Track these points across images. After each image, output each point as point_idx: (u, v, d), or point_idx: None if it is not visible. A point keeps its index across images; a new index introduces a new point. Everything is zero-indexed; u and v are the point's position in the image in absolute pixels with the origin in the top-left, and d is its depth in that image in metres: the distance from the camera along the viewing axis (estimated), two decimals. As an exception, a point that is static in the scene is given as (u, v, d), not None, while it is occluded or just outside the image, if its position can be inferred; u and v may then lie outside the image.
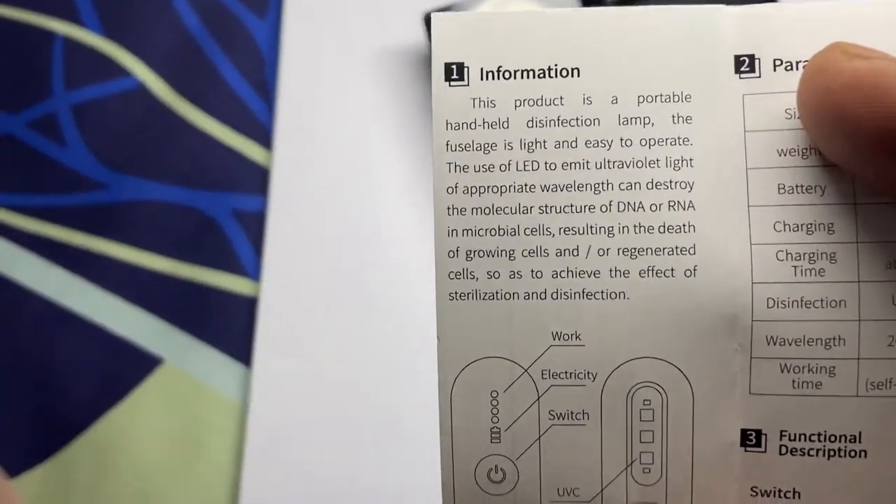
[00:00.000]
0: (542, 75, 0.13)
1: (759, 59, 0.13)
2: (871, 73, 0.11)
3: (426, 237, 0.31)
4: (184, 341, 0.31)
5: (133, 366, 0.31)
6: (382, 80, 0.35)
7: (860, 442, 0.12)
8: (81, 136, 0.33)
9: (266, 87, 0.34)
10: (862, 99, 0.11)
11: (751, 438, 0.13)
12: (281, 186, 0.32)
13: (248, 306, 0.31)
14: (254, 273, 0.31)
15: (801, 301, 0.12)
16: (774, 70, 0.12)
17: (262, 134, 0.33)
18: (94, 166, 0.33)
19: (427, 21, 0.32)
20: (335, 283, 0.31)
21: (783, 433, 0.13)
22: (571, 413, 0.13)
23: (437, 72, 0.13)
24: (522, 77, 0.13)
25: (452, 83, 0.13)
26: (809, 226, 0.12)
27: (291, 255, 0.31)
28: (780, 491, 0.13)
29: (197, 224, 0.32)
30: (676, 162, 0.13)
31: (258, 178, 0.33)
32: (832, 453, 0.13)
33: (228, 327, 0.31)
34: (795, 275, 0.12)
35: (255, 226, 0.32)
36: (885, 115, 0.10)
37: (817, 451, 0.13)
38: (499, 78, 0.13)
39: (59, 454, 0.30)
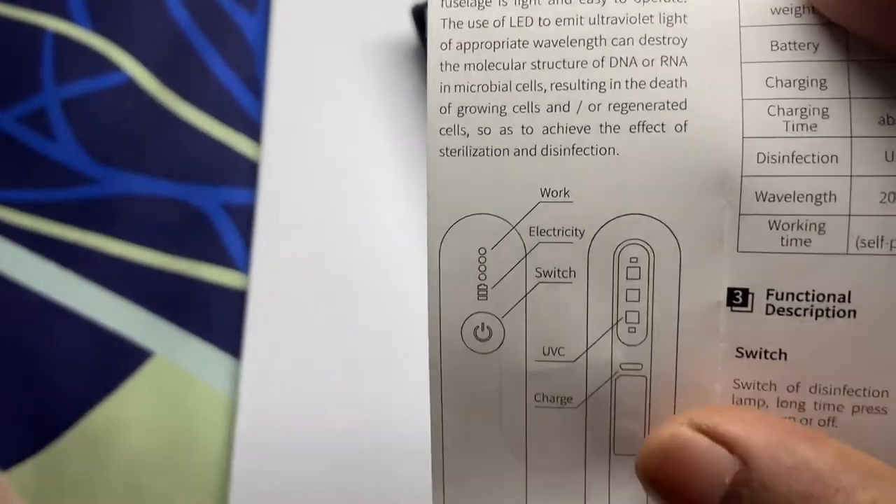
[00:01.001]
0: None
1: None
2: None
3: (417, 229, 0.31)
4: (174, 334, 0.31)
5: (124, 359, 0.31)
6: (372, 74, 0.35)
7: (849, 302, 0.12)
8: (71, 130, 0.33)
9: (255, 81, 0.34)
10: None
11: (737, 297, 0.13)
12: (270, 180, 0.32)
13: (238, 299, 0.31)
14: (243, 266, 0.32)
15: (793, 156, 0.12)
16: None
17: (252, 128, 0.33)
18: (84, 161, 0.33)
19: (415, 13, 0.33)
20: (324, 276, 0.31)
21: (770, 292, 0.12)
22: (558, 271, 0.13)
23: None
24: None
25: None
26: (802, 81, 0.12)
27: (281, 248, 0.31)
28: (766, 352, 0.13)
29: (187, 217, 0.32)
30: (670, 18, 0.12)
31: (247, 172, 0.33)
32: (820, 313, 0.12)
33: (218, 320, 0.31)
34: (787, 129, 0.12)
35: (244, 219, 0.32)
36: None
37: (805, 310, 0.12)
38: None
39: (51, 447, 0.30)
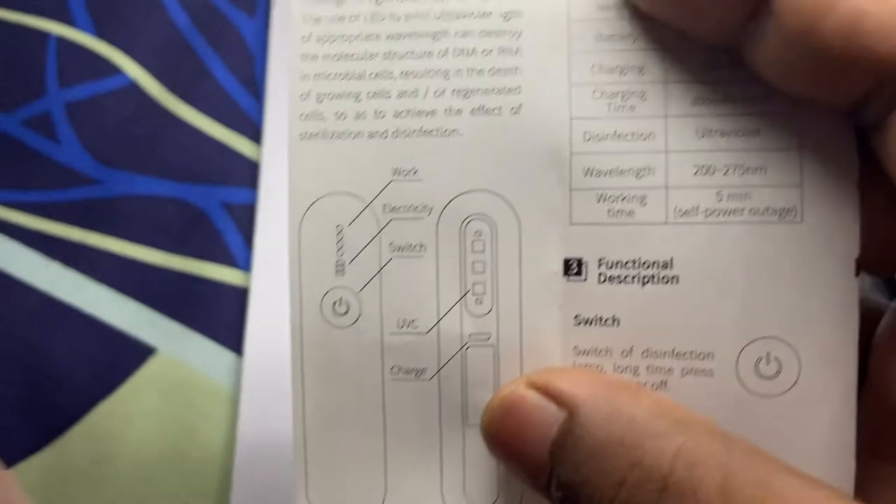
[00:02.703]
0: None
1: None
2: None
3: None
4: (176, 331, 0.31)
5: (127, 355, 0.31)
6: (369, 76, 0.36)
7: (672, 268, 0.13)
8: (75, 133, 0.34)
9: (255, 83, 0.35)
10: None
11: (572, 267, 0.14)
12: (270, 179, 0.33)
13: (239, 296, 0.32)
14: (244, 264, 0.32)
15: (615, 134, 0.13)
16: None
17: (252, 129, 0.34)
18: (87, 162, 0.33)
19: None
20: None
21: (601, 261, 0.13)
22: (410, 245, 0.14)
23: None
24: None
25: None
26: (622, 68, 0.13)
27: (280, 245, 0.32)
28: (601, 318, 0.13)
29: (188, 217, 0.33)
30: (507, 13, 0.14)
31: (248, 172, 0.33)
32: (646, 280, 0.13)
33: (220, 317, 0.32)
34: (609, 110, 0.13)
35: (245, 218, 0.33)
36: None
37: (633, 277, 0.13)
38: None
39: (56, 443, 0.30)
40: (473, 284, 0.14)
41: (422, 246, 0.14)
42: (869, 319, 0.13)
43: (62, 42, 0.35)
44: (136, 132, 0.34)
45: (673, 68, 0.13)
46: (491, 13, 0.14)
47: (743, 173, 0.13)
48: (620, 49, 0.13)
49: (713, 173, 0.13)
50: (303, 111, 0.14)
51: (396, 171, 0.14)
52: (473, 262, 0.14)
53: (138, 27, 0.35)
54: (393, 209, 0.14)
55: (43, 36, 0.35)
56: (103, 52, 0.35)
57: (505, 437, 0.13)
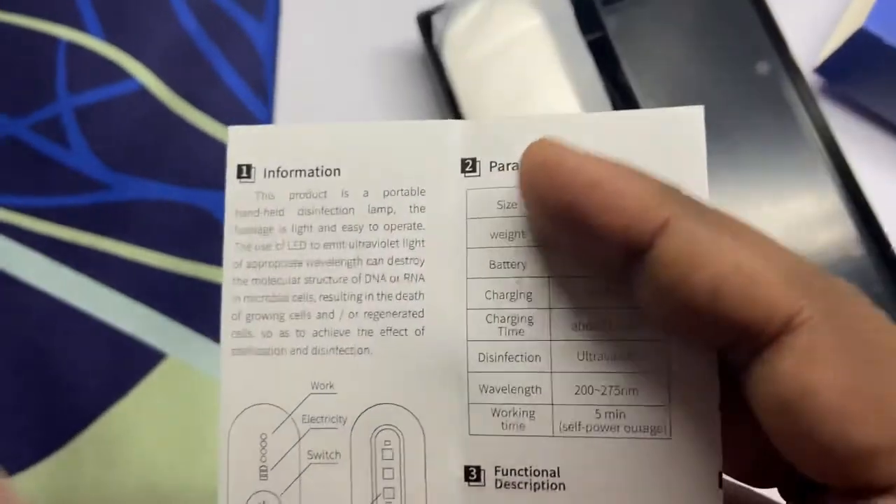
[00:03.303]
0: (311, 174, 0.15)
1: (479, 161, 0.15)
2: (553, 156, 0.13)
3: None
4: (186, 336, 0.32)
5: (137, 360, 0.31)
6: (378, 80, 0.36)
7: (559, 476, 0.15)
8: (85, 138, 0.34)
9: (263, 87, 0.35)
10: (545, 177, 0.13)
11: (472, 474, 0.15)
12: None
13: (249, 301, 0.32)
14: (254, 269, 0.32)
15: (506, 355, 0.15)
16: (490, 170, 0.15)
17: (261, 133, 0.34)
18: (97, 167, 0.34)
19: (421, 21, 0.33)
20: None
21: (497, 468, 0.15)
22: (326, 453, 0.15)
23: (231, 171, 0.16)
24: (296, 175, 0.16)
25: (242, 180, 0.16)
26: (513, 294, 0.15)
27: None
28: None
29: (197, 221, 0.33)
30: (412, 243, 0.15)
31: (257, 177, 0.33)
32: (537, 486, 0.15)
33: (229, 322, 0.32)
34: (500, 334, 0.15)
35: (254, 223, 0.33)
36: (558, 190, 0.13)
37: (525, 484, 0.15)
38: (278, 176, 0.16)
39: (66, 447, 0.30)
40: (384, 489, 0.15)
41: (337, 453, 0.15)
42: None
43: (72, 47, 0.35)
44: (145, 137, 0.34)
45: (556, 296, 0.15)
46: (398, 242, 0.15)
47: (618, 394, 0.14)
48: (511, 276, 0.15)
49: (592, 393, 0.14)
50: (234, 329, 0.15)
51: (315, 385, 0.15)
52: (384, 469, 0.15)
53: (148, 32, 0.35)
54: (311, 419, 0.15)
55: (53, 41, 0.35)
56: (113, 58, 0.35)
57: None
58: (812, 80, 0.35)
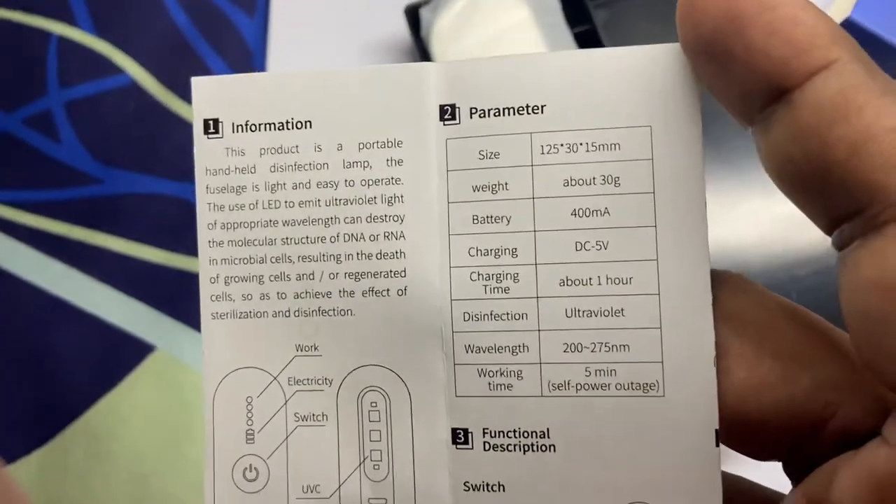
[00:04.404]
0: (281, 127, 0.15)
1: (458, 107, 0.14)
2: None
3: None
4: (175, 328, 0.32)
5: (126, 353, 0.31)
6: (368, 74, 0.36)
7: (549, 437, 0.14)
8: (75, 132, 0.34)
9: (254, 81, 0.35)
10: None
11: (460, 437, 0.14)
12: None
13: (237, 294, 0.32)
14: (242, 262, 0.32)
15: (491, 314, 0.14)
16: (471, 117, 0.14)
17: (250, 127, 0.34)
18: (87, 161, 0.34)
19: (409, 14, 0.33)
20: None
21: (485, 431, 0.14)
22: (313, 415, 0.15)
23: (198, 126, 0.15)
24: (266, 129, 0.15)
25: (210, 136, 0.15)
26: (497, 250, 0.14)
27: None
28: (487, 485, 0.14)
29: (188, 215, 0.33)
30: (391, 199, 0.14)
31: (246, 170, 0.33)
32: (526, 448, 0.14)
33: (218, 314, 0.32)
34: (486, 292, 0.14)
35: (243, 216, 0.33)
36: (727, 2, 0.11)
37: (514, 446, 0.14)
38: (247, 131, 0.15)
39: (55, 439, 0.31)
40: (371, 451, 0.15)
41: (324, 415, 0.15)
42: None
43: (63, 41, 0.35)
44: (136, 131, 0.34)
45: (543, 251, 0.14)
46: (375, 199, 0.14)
47: (608, 351, 0.14)
48: (495, 231, 0.14)
49: (581, 350, 0.14)
50: (213, 293, 0.15)
51: (299, 347, 0.15)
52: (370, 431, 0.15)
53: (138, 27, 0.35)
54: (297, 381, 0.15)
55: (44, 35, 0.35)
56: (104, 52, 0.35)
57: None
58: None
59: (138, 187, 0.33)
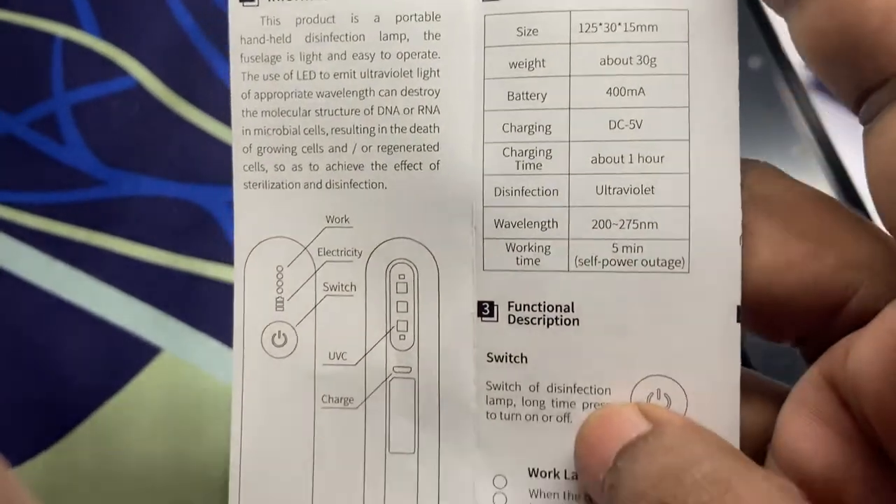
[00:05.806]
0: None
1: None
2: None
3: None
4: (182, 330, 0.32)
5: (133, 355, 0.31)
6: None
7: (573, 311, 0.14)
8: (80, 134, 0.34)
9: (259, 83, 0.35)
10: None
11: (485, 309, 0.15)
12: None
13: (244, 296, 0.32)
14: (249, 263, 0.32)
15: (522, 190, 0.14)
16: None
17: (256, 129, 0.34)
18: (93, 163, 0.34)
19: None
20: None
21: (511, 304, 0.15)
22: (342, 285, 0.15)
23: None
24: None
25: (245, 3, 0.15)
26: (531, 127, 0.14)
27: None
28: (510, 356, 0.15)
29: (194, 217, 0.33)
30: (426, 72, 0.14)
31: (252, 172, 0.33)
32: (550, 322, 0.14)
33: (225, 316, 0.31)
34: (518, 168, 0.14)
35: (249, 218, 0.33)
36: None
37: (538, 319, 0.14)
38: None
39: (62, 442, 0.31)
40: (397, 322, 0.15)
41: (352, 286, 0.15)
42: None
43: (68, 44, 0.35)
44: (141, 133, 0.34)
45: (578, 127, 0.14)
46: (411, 72, 0.14)
47: (636, 227, 0.14)
48: (530, 108, 0.14)
49: (609, 227, 0.14)
50: (245, 163, 0.15)
51: (330, 219, 0.15)
52: (398, 302, 0.15)
53: (143, 29, 0.35)
54: (327, 252, 0.15)
55: (49, 38, 0.35)
56: (109, 54, 0.35)
57: (590, 436, 0.14)
58: (804, 75, 0.35)
59: (143, 189, 0.33)
